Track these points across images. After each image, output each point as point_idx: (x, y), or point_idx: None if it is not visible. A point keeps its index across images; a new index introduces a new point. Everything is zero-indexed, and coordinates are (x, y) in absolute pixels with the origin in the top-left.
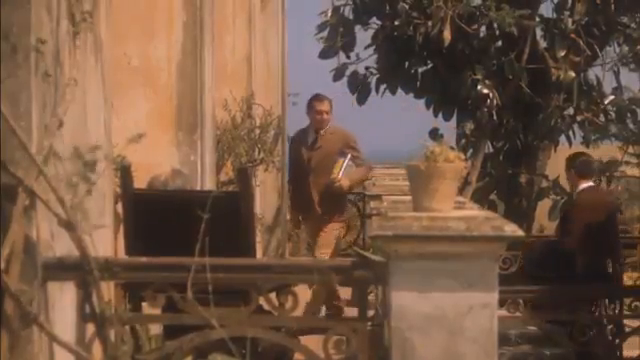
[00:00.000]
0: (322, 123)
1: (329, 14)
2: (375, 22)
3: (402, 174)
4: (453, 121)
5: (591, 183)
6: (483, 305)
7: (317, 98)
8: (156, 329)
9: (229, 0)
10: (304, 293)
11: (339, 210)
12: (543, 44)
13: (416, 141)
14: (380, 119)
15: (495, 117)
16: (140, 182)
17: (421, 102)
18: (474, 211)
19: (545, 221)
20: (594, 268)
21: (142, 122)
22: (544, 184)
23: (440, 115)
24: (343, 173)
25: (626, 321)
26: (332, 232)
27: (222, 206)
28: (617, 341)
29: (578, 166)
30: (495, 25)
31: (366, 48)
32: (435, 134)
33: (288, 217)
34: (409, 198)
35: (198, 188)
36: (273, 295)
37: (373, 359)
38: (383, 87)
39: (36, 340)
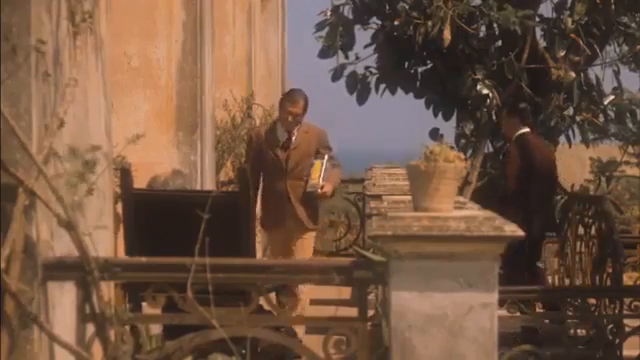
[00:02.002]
0: (293, 125)
1: (329, 14)
2: (375, 22)
3: (402, 174)
4: (453, 121)
5: (529, 130)
6: (483, 305)
7: (290, 99)
8: (156, 329)
9: (229, 0)
10: None
11: (315, 217)
12: (543, 44)
13: (416, 141)
14: (380, 119)
15: (495, 117)
16: (140, 182)
17: (421, 102)
18: (474, 211)
19: None
20: (535, 211)
21: (142, 122)
22: None
23: (440, 115)
24: (323, 177)
25: (626, 321)
26: (310, 240)
27: (222, 206)
28: (617, 341)
29: (521, 112)
30: (495, 25)
31: (365, 47)
32: (435, 134)
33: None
34: (409, 198)
35: (198, 188)
36: (273, 295)
37: (373, 359)
38: (383, 87)
39: (36, 340)
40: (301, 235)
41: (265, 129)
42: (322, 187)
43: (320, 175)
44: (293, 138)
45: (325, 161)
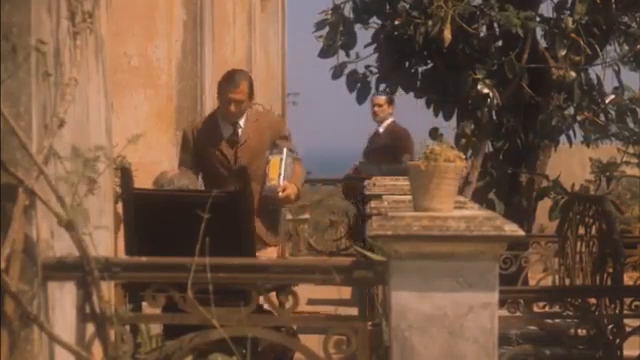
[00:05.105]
0: (237, 116)
1: (329, 13)
2: (375, 21)
3: None
4: (453, 121)
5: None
6: (483, 305)
7: (230, 83)
8: (156, 329)
9: (229, 0)
10: None
11: (276, 228)
12: (543, 44)
13: (415, 141)
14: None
15: (495, 117)
16: (140, 182)
17: (421, 102)
18: (474, 211)
19: (545, 221)
20: None
21: (142, 122)
22: (544, 184)
23: (440, 115)
24: (284, 176)
25: (626, 321)
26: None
27: (222, 206)
28: (617, 341)
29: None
30: (495, 25)
31: (366, 47)
32: (435, 134)
33: None
34: (409, 198)
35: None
36: (273, 295)
37: (373, 359)
38: (383, 86)
39: (36, 340)
40: (258, 254)
41: (203, 124)
42: (284, 189)
43: (280, 174)
44: (240, 130)
45: (285, 156)
